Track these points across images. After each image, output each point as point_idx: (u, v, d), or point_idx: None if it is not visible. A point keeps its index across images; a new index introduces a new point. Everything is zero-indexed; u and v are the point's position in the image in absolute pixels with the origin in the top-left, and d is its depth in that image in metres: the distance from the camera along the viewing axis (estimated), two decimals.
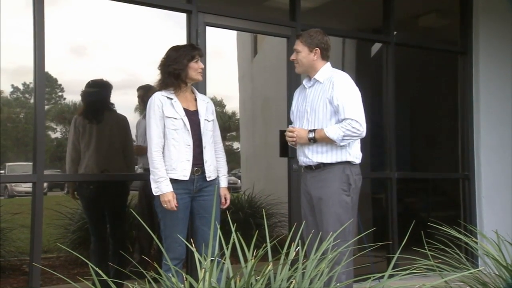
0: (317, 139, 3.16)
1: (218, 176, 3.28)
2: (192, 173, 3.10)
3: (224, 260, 2.01)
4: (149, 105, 3.12)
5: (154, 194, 3.05)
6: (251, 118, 7.64)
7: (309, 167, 3.28)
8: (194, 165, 3.10)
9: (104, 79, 4.24)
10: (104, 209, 4.10)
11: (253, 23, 4.34)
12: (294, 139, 3.23)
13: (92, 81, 4.17)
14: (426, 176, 5.66)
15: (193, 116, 3.15)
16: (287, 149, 4.11)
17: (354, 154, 3.22)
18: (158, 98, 3.10)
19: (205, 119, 3.19)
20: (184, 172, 3.07)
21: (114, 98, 4.21)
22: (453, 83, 5.54)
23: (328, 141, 3.15)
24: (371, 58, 5.69)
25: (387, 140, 4.89)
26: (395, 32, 5.02)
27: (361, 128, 3.11)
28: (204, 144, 3.15)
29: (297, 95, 3.44)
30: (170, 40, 4.31)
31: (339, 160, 3.18)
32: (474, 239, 2.82)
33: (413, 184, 5.69)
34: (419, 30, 5.86)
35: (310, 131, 3.18)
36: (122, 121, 4.18)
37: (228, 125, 8.70)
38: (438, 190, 6.03)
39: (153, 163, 3.05)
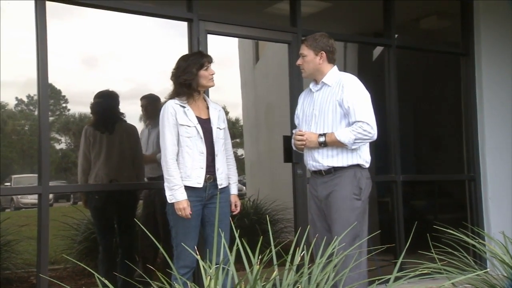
0: (328, 143, 3.11)
1: (229, 184, 3.28)
2: (205, 180, 3.11)
3: (229, 266, 2.00)
4: (162, 113, 3.13)
5: (169, 201, 3.04)
6: (255, 124, 7.64)
7: (318, 172, 3.22)
8: (206, 172, 3.11)
9: (110, 89, 4.25)
10: (112, 219, 4.11)
11: (254, 30, 4.36)
12: (304, 142, 3.18)
13: (99, 92, 4.18)
14: (431, 178, 5.64)
15: (205, 124, 3.16)
16: (291, 155, 4.10)
17: (364, 157, 3.19)
18: (171, 106, 3.12)
19: (217, 127, 3.20)
20: (198, 179, 3.08)
21: (121, 108, 4.23)
22: (456, 85, 5.53)
23: (338, 145, 3.11)
24: (373, 62, 5.69)
25: (392, 143, 4.88)
26: (396, 35, 5.02)
27: (372, 131, 3.08)
28: (216, 152, 3.16)
29: (302, 99, 3.39)
30: (172, 49, 4.33)
31: (350, 163, 3.14)
32: (481, 241, 2.81)
33: (419, 186, 5.66)
34: (420, 32, 5.86)
35: (321, 135, 3.13)
36: (132, 131, 4.19)
37: (232, 132, 8.70)
38: (444, 192, 6.01)
39: (168, 170, 3.05)
